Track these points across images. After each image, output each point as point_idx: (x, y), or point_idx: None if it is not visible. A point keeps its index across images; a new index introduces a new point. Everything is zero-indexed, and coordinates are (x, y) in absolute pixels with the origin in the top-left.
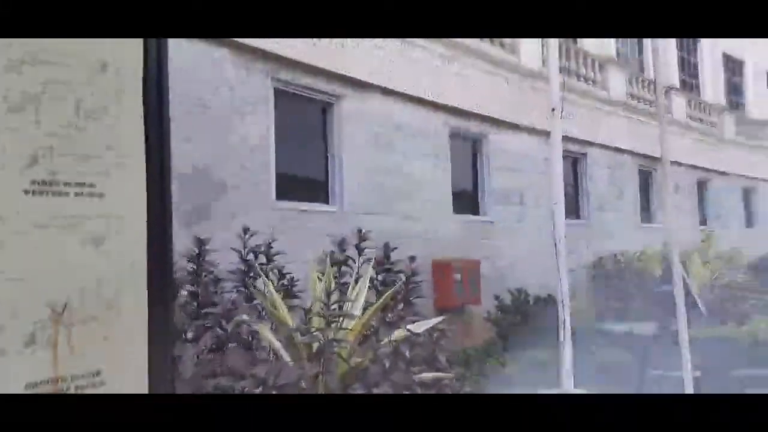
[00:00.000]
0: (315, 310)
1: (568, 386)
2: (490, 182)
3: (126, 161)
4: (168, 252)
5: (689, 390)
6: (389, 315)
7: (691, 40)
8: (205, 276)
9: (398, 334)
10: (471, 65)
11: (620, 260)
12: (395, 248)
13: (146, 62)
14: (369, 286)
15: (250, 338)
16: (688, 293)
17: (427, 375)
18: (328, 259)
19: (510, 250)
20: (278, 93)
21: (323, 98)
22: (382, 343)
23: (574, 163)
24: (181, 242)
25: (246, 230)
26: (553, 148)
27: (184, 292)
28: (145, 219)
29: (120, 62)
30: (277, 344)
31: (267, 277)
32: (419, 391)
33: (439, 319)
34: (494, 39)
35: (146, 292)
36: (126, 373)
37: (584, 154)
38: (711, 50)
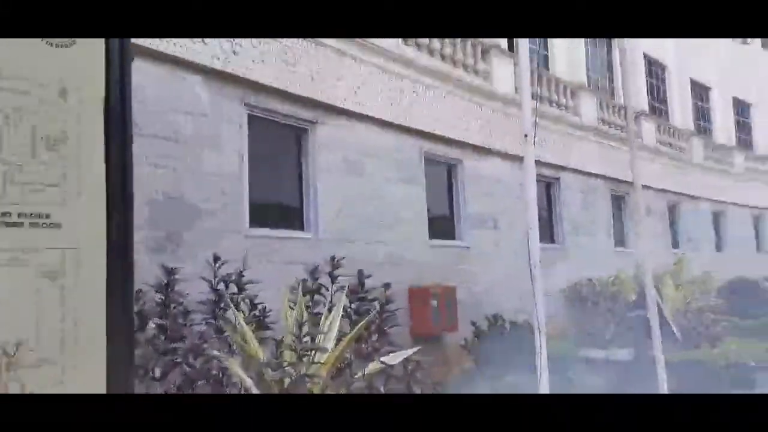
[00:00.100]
0: (287, 343)
1: None
2: (465, 207)
3: (85, 190)
4: (129, 285)
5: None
6: (364, 346)
7: (659, 66)
8: (174, 307)
9: (372, 367)
10: (445, 91)
11: (595, 285)
12: (369, 275)
13: (108, 86)
14: (343, 315)
15: (221, 374)
16: (662, 317)
17: None
18: (300, 288)
19: (486, 275)
20: (252, 119)
21: (298, 124)
22: (355, 377)
23: (547, 188)
24: (151, 272)
25: (217, 258)
26: (526, 172)
27: (152, 325)
28: (105, 250)
29: (80, 86)
30: (249, 381)
31: (238, 307)
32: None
33: (414, 350)
34: (468, 66)
35: (105, 329)
36: None
37: (557, 179)
38: (678, 76)
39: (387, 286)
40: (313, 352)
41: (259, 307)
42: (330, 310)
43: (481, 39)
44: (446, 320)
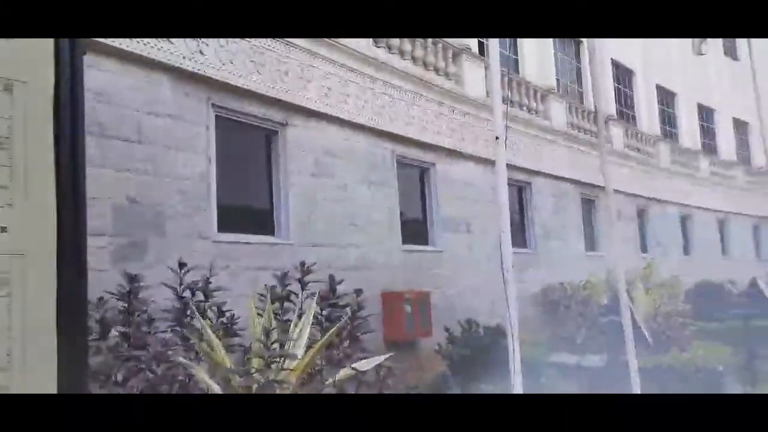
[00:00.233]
0: (254, 350)
1: None
2: (438, 211)
3: (33, 192)
4: (82, 292)
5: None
6: (335, 352)
7: (626, 71)
8: (138, 315)
9: (343, 373)
10: (417, 94)
11: (567, 289)
12: (341, 281)
13: (58, 83)
14: (313, 322)
15: (188, 380)
16: (634, 322)
17: None
18: (268, 294)
19: (459, 280)
20: (220, 120)
21: (267, 126)
22: (326, 384)
23: (519, 192)
24: (114, 279)
25: (182, 265)
26: (498, 176)
27: (114, 333)
28: (55, 256)
29: (28, 83)
30: (215, 387)
31: (204, 314)
32: None
33: (386, 355)
34: (439, 69)
35: (56, 339)
36: None
37: (529, 183)
38: (645, 82)
39: (359, 291)
40: (282, 359)
41: (227, 314)
42: (300, 317)
43: (452, 42)
44: (420, 325)
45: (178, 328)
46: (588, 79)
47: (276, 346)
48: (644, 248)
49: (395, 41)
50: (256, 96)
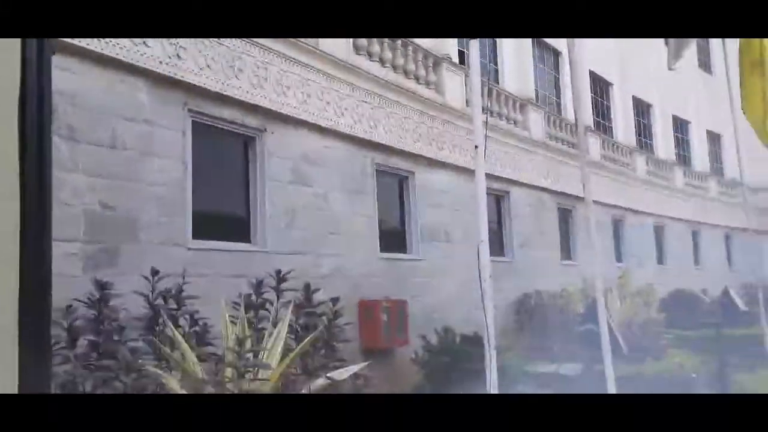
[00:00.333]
0: (227, 360)
1: None
2: (417, 219)
3: None
4: (46, 303)
5: None
6: (310, 362)
7: (603, 83)
8: (108, 324)
9: (318, 383)
10: (397, 102)
11: (543, 298)
12: (318, 289)
13: (24, 81)
14: (288, 332)
15: (158, 390)
16: (610, 331)
17: None
18: (242, 303)
19: (437, 288)
20: (197, 126)
21: (245, 132)
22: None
23: (497, 201)
24: (86, 286)
25: (155, 272)
26: (477, 186)
27: (83, 342)
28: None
29: None
30: None
31: (176, 323)
32: None
33: (363, 365)
34: (419, 77)
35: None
36: None
37: (507, 193)
38: (622, 93)
39: (335, 300)
40: (256, 369)
41: (200, 322)
42: (275, 326)
43: (432, 51)
44: (396, 334)
45: (149, 337)
46: (566, 89)
47: (249, 355)
48: (619, 257)
49: (376, 49)
50: (234, 102)
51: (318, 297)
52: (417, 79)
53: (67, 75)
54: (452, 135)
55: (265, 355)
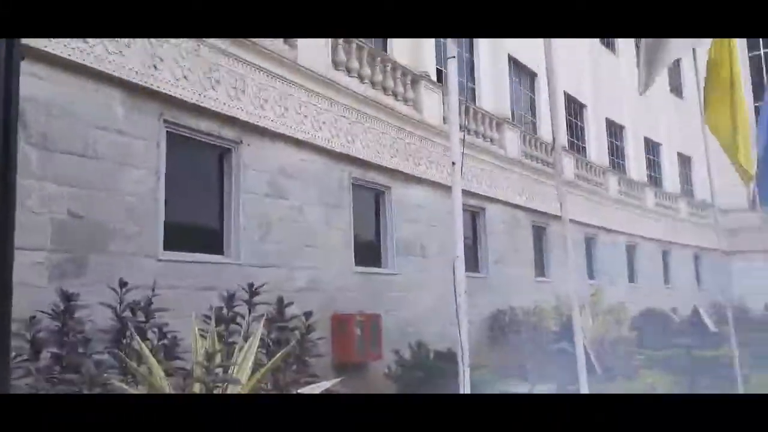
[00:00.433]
0: (196, 375)
1: None
2: (393, 234)
3: None
4: (6, 311)
5: None
6: (282, 377)
7: (577, 105)
8: (72, 336)
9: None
10: (375, 118)
11: (517, 314)
12: (290, 303)
13: None
14: (260, 346)
15: None
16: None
17: None
18: (213, 316)
19: (412, 303)
20: (171, 136)
21: (221, 144)
22: None
23: (473, 217)
24: (51, 297)
25: (123, 284)
26: (454, 202)
27: (46, 354)
28: None
29: None
30: None
31: (144, 336)
32: None
33: (335, 381)
34: (398, 94)
35: None
36: None
37: (483, 209)
38: (595, 115)
39: (308, 314)
40: (225, 384)
41: (169, 335)
42: (246, 340)
43: (410, 68)
44: (370, 348)
45: (115, 350)
46: (541, 110)
47: (219, 370)
48: (591, 275)
49: (355, 65)
50: (211, 113)
51: (291, 311)
52: (395, 95)
53: (41, 83)
54: (429, 151)
55: (235, 370)
